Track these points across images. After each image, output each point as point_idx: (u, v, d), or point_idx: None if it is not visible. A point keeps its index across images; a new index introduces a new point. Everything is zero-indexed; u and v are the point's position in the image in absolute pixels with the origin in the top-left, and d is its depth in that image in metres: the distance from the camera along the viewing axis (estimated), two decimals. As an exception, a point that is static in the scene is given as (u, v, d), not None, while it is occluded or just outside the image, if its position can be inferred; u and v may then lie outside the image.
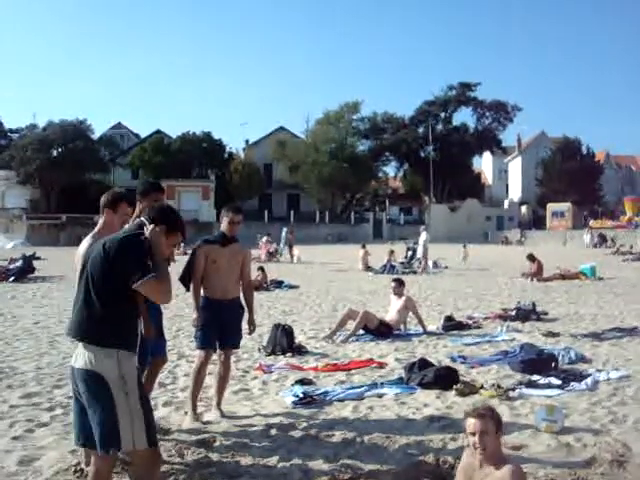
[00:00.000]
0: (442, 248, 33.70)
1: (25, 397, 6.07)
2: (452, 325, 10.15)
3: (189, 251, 6.15)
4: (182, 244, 33.67)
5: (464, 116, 72.62)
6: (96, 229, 4.36)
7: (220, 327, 5.48)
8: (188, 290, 5.58)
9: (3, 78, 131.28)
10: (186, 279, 5.58)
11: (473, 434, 3.39)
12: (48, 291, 15.95)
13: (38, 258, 24.63)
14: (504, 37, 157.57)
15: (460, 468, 3.58)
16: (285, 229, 34.27)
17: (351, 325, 9.45)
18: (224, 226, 5.61)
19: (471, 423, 3.43)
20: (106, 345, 3.15)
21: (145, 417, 3.15)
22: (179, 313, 11.58)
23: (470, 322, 10.65)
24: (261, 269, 17.28)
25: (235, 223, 5.58)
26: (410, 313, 9.96)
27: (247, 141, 72.18)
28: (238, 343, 5.80)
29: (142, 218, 3.47)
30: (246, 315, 5.71)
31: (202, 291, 5.55)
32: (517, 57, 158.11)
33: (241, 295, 5.72)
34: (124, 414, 3.08)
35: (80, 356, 3.18)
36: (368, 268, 23.24)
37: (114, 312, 3.20)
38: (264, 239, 31.30)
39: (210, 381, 6.00)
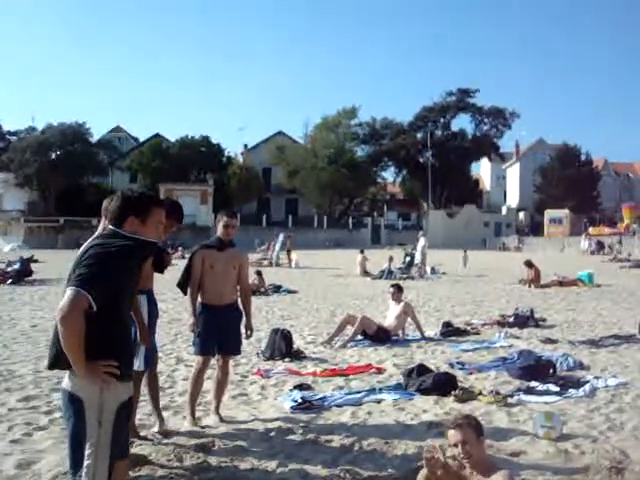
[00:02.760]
0: (440, 254, 33.74)
1: (23, 400, 6.06)
2: (450, 331, 10.16)
3: (187, 255, 6.15)
4: (180, 248, 33.92)
5: (463, 122, 73.53)
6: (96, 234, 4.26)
7: (218, 333, 5.47)
8: (186, 294, 5.59)
9: (2, 80, 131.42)
10: (183, 284, 5.59)
11: (456, 445, 3.40)
12: (46, 294, 15.91)
13: (36, 261, 24.63)
14: (503, 43, 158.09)
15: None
16: (282, 235, 34.52)
17: (349, 330, 9.45)
18: (219, 231, 5.62)
19: (451, 435, 3.43)
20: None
21: (111, 453, 2.85)
22: (177, 317, 11.58)
23: (468, 328, 10.65)
24: (258, 273, 17.30)
25: (230, 227, 5.58)
26: (408, 319, 9.97)
27: (246, 145, 72.32)
28: (238, 350, 5.80)
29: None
30: (244, 320, 5.72)
31: (199, 297, 5.55)
32: (516, 64, 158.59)
33: (239, 300, 5.72)
34: (91, 444, 2.81)
35: (66, 376, 2.92)
36: (366, 273, 23.29)
37: (92, 340, 2.79)
38: (273, 242, 34.41)
39: (209, 385, 5.99)
